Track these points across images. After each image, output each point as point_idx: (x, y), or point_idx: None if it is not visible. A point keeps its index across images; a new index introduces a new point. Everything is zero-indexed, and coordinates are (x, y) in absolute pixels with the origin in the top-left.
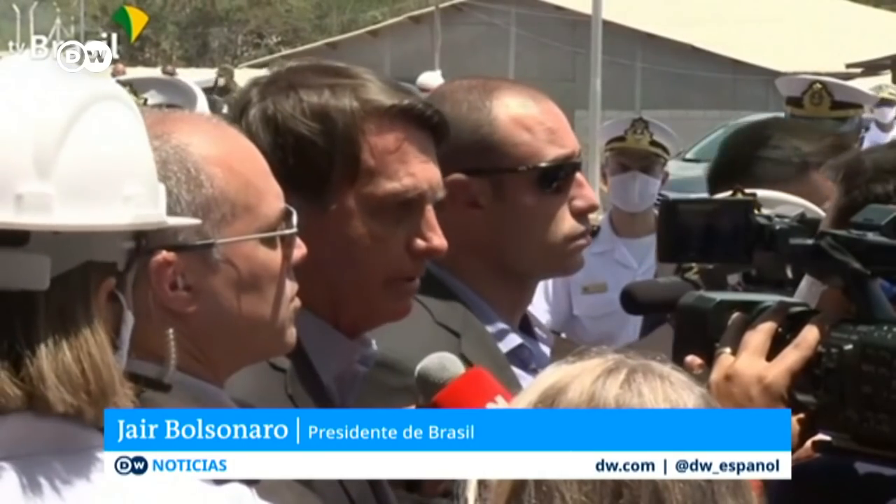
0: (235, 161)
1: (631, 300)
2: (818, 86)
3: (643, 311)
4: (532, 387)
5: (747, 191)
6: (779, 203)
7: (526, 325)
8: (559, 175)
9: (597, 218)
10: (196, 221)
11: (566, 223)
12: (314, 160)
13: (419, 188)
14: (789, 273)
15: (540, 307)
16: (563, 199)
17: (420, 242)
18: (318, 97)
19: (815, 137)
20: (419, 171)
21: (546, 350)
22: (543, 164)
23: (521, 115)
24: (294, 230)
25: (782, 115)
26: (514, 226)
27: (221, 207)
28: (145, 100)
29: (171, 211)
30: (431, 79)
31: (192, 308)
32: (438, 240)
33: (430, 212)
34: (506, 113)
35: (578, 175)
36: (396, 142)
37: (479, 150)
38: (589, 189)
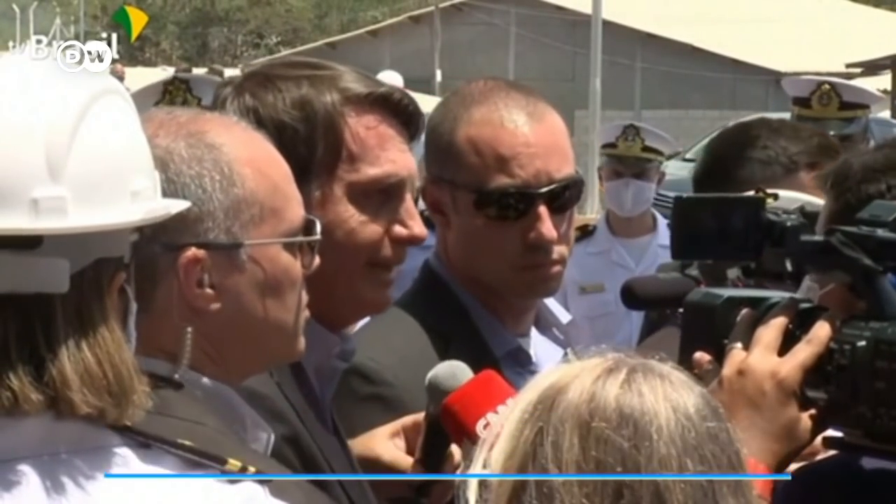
0: (264, 164)
1: (631, 295)
2: (826, 86)
3: (644, 307)
4: (531, 386)
5: (769, 191)
6: (799, 203)
7: (544, 325)
8: (501, 204)
9: (594, 218)
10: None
11: (509, 251)
12: (296, 148)
13: (399, 174)
14: (788, 266)
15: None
16: (508, 227)
17: (400, 229)
18: (297, 88)
19: (802, 137)
20: (399, 158)
21: (559, 351)
22: (484, 190)
23: (476, 136)
24: (318, 237)
25: (782, 115)
26: (466, 240)
27: (251, 209)
28: (199, 100)
29: (203, 207)
30: (389, 77)
31: (215, 306)
32: (418, 227)
33: (409, 199)
34: (465, 130)
35: (541, 208)
36: (376, 128)
37: (442, 158)
38: (547, 224)
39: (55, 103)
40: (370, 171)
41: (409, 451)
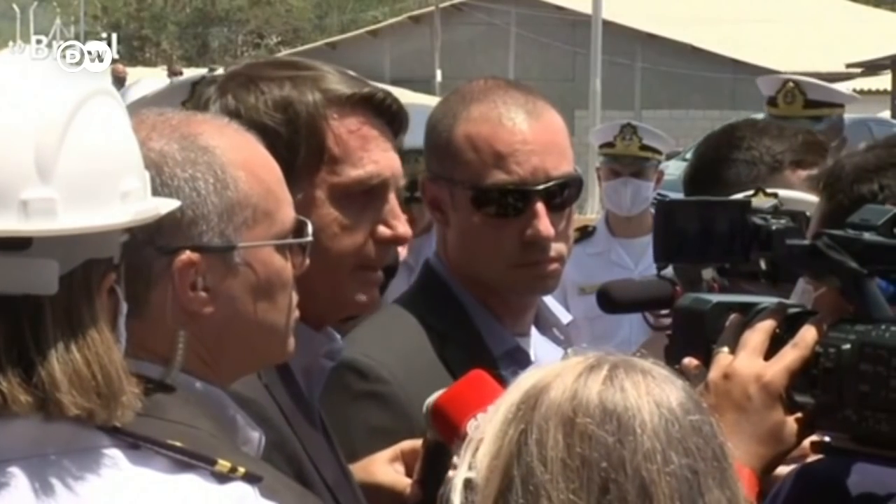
0: (257, 167)
1: (607, 299)
2: (791, 85)
3: (620, 310)
4: (514, 387)
5: (769, 190)
6: (800, 203)
7: (544, 325)
8: (498, 200)
9: (594, 219)
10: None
11: (507, 249)
12: (279, 151)
13: (382, 175)
14: (763, 265)
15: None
16: (506, 224)
17: (385, 230)
18: (279, 89)
19: (787, 136)
20: (382, 159)
21: (559, 351)
22: (481, 186)
23: (475, 132)
24: (310, 238)
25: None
26: (464, 238)
27: (244, 211)
28: None
29: (197, 210)
30: None
31: (209, 310)
32: (403, 227)
33: (393, 200)
34: (464, 127)
35: (538, 205)
36: (358, 129)
37: (440, 156)
38: (545, 221)
39: (44, 104)
40: (352, 173)
41: (409, 475)
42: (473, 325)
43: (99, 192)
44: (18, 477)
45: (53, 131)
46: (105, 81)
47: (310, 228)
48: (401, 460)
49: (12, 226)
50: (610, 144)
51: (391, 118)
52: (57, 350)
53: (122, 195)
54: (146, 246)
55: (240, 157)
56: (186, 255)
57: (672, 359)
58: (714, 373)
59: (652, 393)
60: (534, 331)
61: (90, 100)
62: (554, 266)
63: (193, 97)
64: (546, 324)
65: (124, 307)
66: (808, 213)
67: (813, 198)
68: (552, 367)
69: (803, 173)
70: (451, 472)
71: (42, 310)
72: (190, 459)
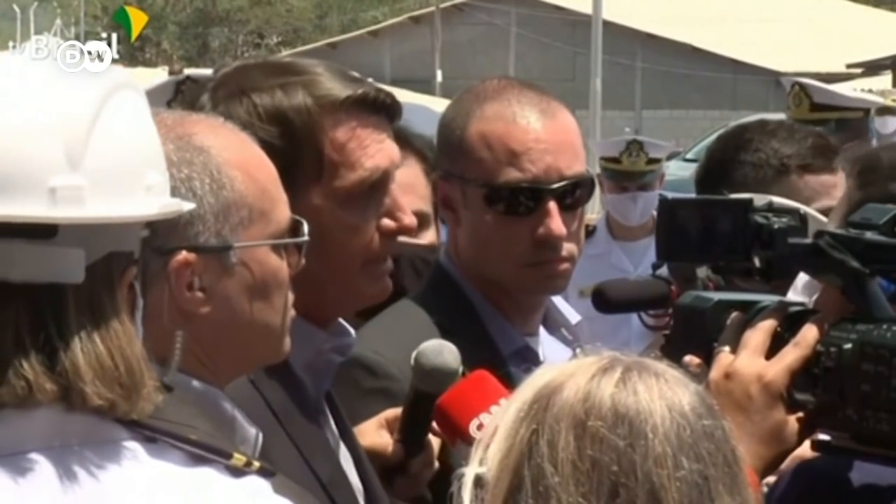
0: (253, 166)
1: (602, 299)
2: (797, 88)
3: (616, 310)
4: (526, 385)
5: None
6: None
7: (552, 325)
8: (511, 198)
9: (593, 219)
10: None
11: (518, 247)
12: (276, 162)
13: (381, 168)
14: (757, 262)
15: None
16: (517, 223)
17: (389, 223)
18: (270, 99)
19: (796, 139)
20: (378, 153)
21: (567, 351)
22: (494, 184)
23: (489, 130)
24: (306, 238)
25: (782, 115)
26: (476, 236)
27: (240, 211)
28: None
29: (193, 211)
30: None
31: (205, 310)
32: (408, 218)
33: (395, 190)
34: (477, 125)
35: (551, 204)
36: (354, 131)
37: (453, 154)
38: (557, 221)
39: (74, 96)
40: (353, 176)
41: None
42: (482, 325)
43: (125, 184)
44: (43, 464)
45: (82, 122)
46: (128, 76)
47: (305, 228)
48: (386, 427)
49: (41, 212)
50: (615, 160)
51: (386, 112)
52: (80, 340)
53: (147, 188)
54: (142, 246)
55: (235, 156)
56: (183, 255)
57: (670, 358)
58: (715, 372)
59: (665, 396)
60: (542, 331)
61: (116, 93)
62: (565, 266)
63: (177, 97)
64: (555, 324)
65: (141, 303)
66: (801, 211)
67: (799, 205)
68: (565, 367)
69: (810, 177)
70: (433, 447)
71: (65, 299)
72: (206, 453)
